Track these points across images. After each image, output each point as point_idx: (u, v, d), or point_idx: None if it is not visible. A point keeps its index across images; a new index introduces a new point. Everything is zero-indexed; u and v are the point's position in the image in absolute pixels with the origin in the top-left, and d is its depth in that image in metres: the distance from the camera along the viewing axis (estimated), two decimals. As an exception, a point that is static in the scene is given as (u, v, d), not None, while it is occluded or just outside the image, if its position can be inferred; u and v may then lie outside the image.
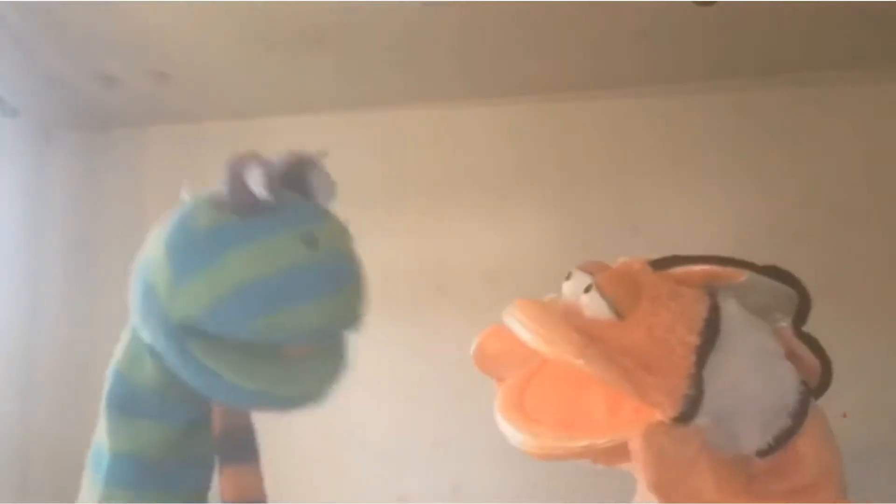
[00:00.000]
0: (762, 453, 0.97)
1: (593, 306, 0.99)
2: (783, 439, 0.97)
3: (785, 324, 1.08)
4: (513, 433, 0.96)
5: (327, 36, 1.81)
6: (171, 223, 0.95)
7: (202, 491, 1.01)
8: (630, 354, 0.94)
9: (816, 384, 1.05)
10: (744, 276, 1.07)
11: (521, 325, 0.98)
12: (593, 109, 2.07)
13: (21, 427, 2.11)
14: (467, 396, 1.66)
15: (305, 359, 0.96)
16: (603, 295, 0.99)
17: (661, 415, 0.91)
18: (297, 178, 1.00)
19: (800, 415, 1.00)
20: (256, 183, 0.91)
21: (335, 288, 0.93)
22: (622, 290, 1.00)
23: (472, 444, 1.91)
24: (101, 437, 1.00)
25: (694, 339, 0.97)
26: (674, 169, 2.01)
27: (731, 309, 1.02)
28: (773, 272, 1.09)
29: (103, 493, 0.97)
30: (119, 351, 1.02)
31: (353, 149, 2.10)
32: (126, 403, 0.98)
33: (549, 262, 2.00)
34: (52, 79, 2.00)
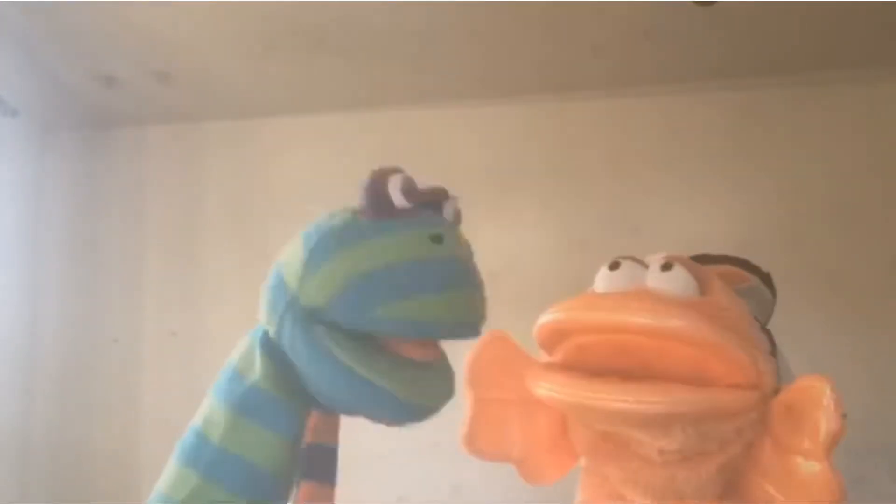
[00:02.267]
0: None
1: (679, 282, 0.98)
2: None
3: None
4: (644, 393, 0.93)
5: (328, 36, 1.81)
6: (311, 225, 1.00)
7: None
8: (726, 327, 0.96)
9: None
10: (752, 280, 1.10)
11: (628, 311, 0.97)
12: (593, 109, 2.06)
13: (21, 427, 2.11)
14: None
15: (428, 367, 0.98)
16: (689, 270, 0.99)
17: (766, 385, 0.94)
18: (432, 204, 1.03)
19: None
20: (396, 191, 0.95)
21: (461, 283, 0.96)
22: (696, 269, 1.02)
23: (472, 444, 1.91)
24: (206, 426, 0.98)
25: (755, 320, 1.02)
26: (674, 169, 2.01)
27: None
28: (768, 279, 1.13)
29: (198, 486, 0.95)
30: (238, 349, 1.02)
31: (352, 149, 2.10)
32: (240, 402, 0.97)
33: (549, 262, 2.01)
34: (52, 79, 2.00)
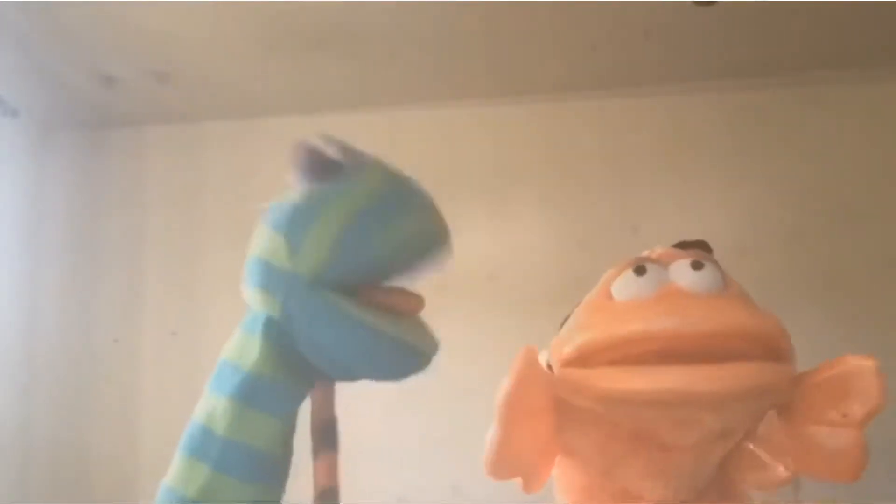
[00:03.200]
0: None
1: (710, 279, 1.04)
2: None
3: None
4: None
5: (328, 36, 1.81)
6: (266, 218, 1.02)
7: (286, 482, 1.04)
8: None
9: None
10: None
11: (679, 317, 1.00)
12: (593, 109, 2.06)
13: (21, 427, 2.11)
14: (467, 396, 1.66)
15: (416, 319, 1.04)
16: (716, 267, 1.06)
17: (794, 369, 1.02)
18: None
19: None
20: (334, 152, 1.00)
21: (427, 202, 1.02)
22: (718, 264, 1.09)
23: (472, 444, 1.91)
24: (209, 420, 0.99)
25: None
26: (673, 169, 2.01)
27: None
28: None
29: (210, 479, 0.97)
30: (228, 344, 1.04)
31: (352, 149, 2.10)
32: (239, 392, 0.99)
33: (548, 262, 2.01)
34: (52, 79, 2.00)
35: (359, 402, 2.03)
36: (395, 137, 2.13)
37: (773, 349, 0.99)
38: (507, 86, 2.05)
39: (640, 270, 1.06)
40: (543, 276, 1.97)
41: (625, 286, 1.06)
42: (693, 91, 2.01)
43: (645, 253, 1.15)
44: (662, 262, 1.07)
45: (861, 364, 0.98)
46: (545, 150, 2.08)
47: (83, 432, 2.15)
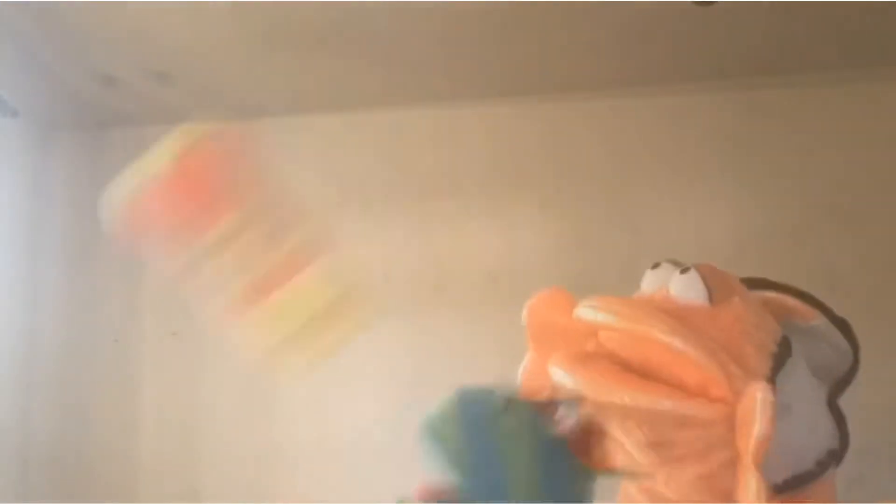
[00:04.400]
0: (777, 488, 0.98)
1: (690, 287, 1.03)
2: (801, 482, 0.99)
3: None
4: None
5: (328, 36, 1.81)
6: None
7: None
8: (718, 340, 0.98)
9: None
10: (818, 319, 1.11)
11: (600, 310, 1.02)
12: (593, 109, 2.06)
13: (21, 427, 2.11)
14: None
15: None
16: (701, 277, 1.02)
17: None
18: None
19: (824, 465, 1.03)
20: None
21: None
22: (718, 281, 1.05)
23: (472, 444, 1.91)
24: None
25: (773, 347, 1.01)
26: (673, 169, 2.01)
27: (796, 345, 1.07)
28: (844, 326, 1.13)
29: None
30: None
31: (353, 149, 2.10)
32: None
33: (548, 262, 2.01)
34: (52, 79, 2.00)
35: (359, 402, 2.04)
36: (396, 137, 2.13)
37: (677, 377, 0.98)
38: (508, 86, 2.05)
39: (655, 265, 1.09)
40: (543, 276, 1.97)
41: (644, 278, 1.11)
42: (693, 91, 2.01)
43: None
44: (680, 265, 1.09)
45: (751, 395, 0.93)
46: (545, 150, 2.08)
47: (83, 432, 2.15)
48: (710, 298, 1.02)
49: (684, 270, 1.04)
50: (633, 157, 2.04)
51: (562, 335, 1.09)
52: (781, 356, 1.02)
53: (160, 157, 0.99)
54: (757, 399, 0.91)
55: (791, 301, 1.13)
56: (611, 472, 1.00)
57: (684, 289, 1.03)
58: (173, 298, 2.18)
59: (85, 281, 2.22)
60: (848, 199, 1.92)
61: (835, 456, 1.06)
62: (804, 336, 1.10)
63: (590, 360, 1.01)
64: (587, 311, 1.03)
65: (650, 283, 1.08)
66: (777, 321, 1.09)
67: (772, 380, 0.98)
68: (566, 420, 0.91)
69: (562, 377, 1.00)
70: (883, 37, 1.78)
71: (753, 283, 1.14)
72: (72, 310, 2.20)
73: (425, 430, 0.99)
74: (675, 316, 0.99)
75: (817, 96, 1.96)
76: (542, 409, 0.93)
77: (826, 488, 1.04)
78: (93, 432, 2.14)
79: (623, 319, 0.99)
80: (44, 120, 2.22)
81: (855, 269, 1.88)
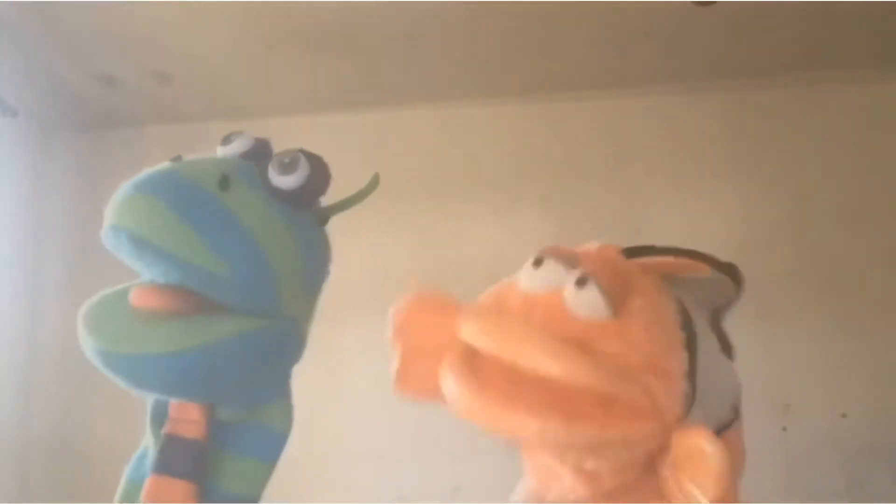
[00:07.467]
0: None
1: (590, 304, 0.91)
2: (720, 431, 0.93)
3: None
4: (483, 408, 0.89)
5: (328, 36, 1.81)
6: None
7: None
8: (630, 358, 0.89)
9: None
10: (708, 272, 1.03)
11: (490, 341, 0.93)
12: (593, 109, 2.06)
13: (21, 427, 2.11)
14: (467, 396, 1.66)
15: None
16: (602, 292, 0.90)
17: (669, 416, 0.87)
18: None
19: (737, 408, 0.99)
20: None
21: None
22: (616, 287, 0.93)
23: (471, 444, 1.91)
24: None
25: (681, 335, 0.93)
26: (674, 169, 2.01)
27: (691, 306, 0.99)
28: (733, 271, 1.05)
29: None
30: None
31: (352, 149, 2.10)
32: None
33: (549, 262, 2.01)
34: (52, 79, 2.00)
35: (358, 403, 2.04)
36: (396, 137, 2.13)
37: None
38: (507, 86, 2.05)
39: (537, 263, 0.98)
40: (543, 276, 1.97)
41: (523, 275, 1.00)
42: (693, 91, 2.01)
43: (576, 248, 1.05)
44: (569, 261, 0.96)
45: (703, 451, 0.84)
46: (546, 150, 2.08)
47: (83, 432, 2.15)
48: (612, 311, 0.90)
49: (581, 282, 0.91)
50: (634, 158, 2.04)
51: (438, 341, 1.01)
52: (691, 340, 0.93)
53: None
54: (707, 455, 0.82)
55: (681, 261, 1.05)
56: None
57: (583, 305, 0.91)
58: (173, 298, 2.20)
59: (85, 281, 2.21)
60: (848, 199, 1.92)
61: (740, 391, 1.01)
62: (685, 285, 1.01)
63: (483, 375, 0.91)
64: (470, 334, 0.95)
65: (534, 282, 0.98)
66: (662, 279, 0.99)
67: (691, 373, 0.91)
68: None
69: (454, 394, 0.91)
70: (883, 37, 1.78)
71: (641, 252, 1.02)
72: (72, 309, 2.20)
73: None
74: (578, 340, 0.89)
75: (817, 96, 1.96)
76: None
77: (738, 433, 1.00)
78: (93, 432, 2.14)
79: (514, 356, 0.89)
80: (44, 120, 2.22)
81: (855, 268, 1.89)
